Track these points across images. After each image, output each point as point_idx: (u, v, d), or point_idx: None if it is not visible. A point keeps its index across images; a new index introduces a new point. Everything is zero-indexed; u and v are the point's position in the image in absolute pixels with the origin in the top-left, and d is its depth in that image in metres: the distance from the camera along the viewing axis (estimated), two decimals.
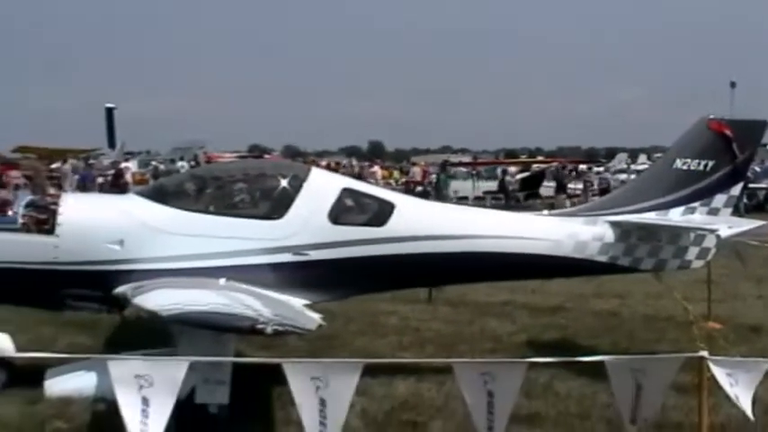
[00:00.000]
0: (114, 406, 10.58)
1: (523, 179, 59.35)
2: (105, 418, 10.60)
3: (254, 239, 11.75)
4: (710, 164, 13.43)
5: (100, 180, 47.45)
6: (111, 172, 50.16)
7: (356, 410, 11.11)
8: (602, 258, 13.12)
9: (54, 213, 11.53)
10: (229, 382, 10.24)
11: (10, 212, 11.82)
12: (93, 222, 11.65)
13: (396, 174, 74.09)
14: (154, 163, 77.03)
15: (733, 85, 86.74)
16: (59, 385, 11.35)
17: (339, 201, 12.21)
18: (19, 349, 11.67)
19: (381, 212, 12.36)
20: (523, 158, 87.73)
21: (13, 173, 44.58)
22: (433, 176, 59.38)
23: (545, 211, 14.89)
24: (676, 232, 13.30)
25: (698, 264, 13.61)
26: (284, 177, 12.33)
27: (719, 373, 7.78)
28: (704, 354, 7.65)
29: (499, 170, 65.60)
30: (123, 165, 52.39)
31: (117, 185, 39.80)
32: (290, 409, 10.83)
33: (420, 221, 12.46)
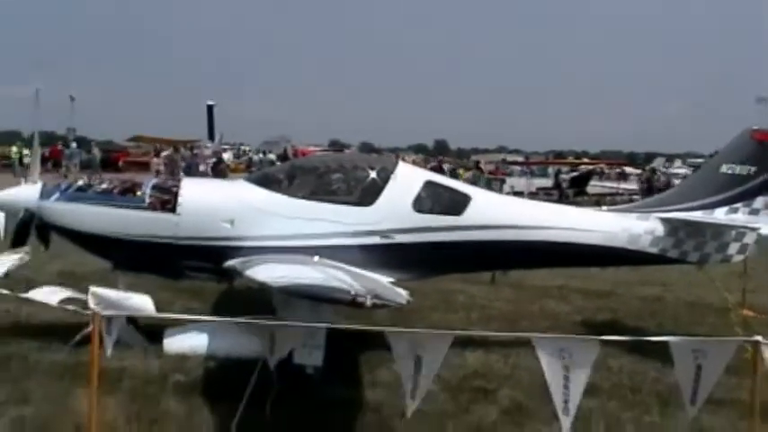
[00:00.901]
0: (224, 362, 11.19)
1: (573, 178, 59.45)
2: (218, 372, 10.97)
3: (348, 224, 11.97)
4: (753, 169, 13.49)
5: (202, 167, 47.97)
6: (213, 160, 50.96)
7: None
8: (653, 250, 13.21)
9: (176, 195, 11.83)
10: (324, 346, 10.51)
11: (139, 193, 12.01)
12: (208, 203, 11.98)
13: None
14: (249, 154, 77.58)
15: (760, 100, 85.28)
16: (176, 344, 11.62)
17: (422, 191, 12.37)
18: None
19: (459, 203, 12.50)
20: (570, 159, 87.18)
21: (155, 159, 46.17)
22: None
23: (604, 207, 14.98)
24: (720, 229, 13.35)
25: (738, 258, 13.67)
26: (375, 169, 12.51)
27: None
28: (759, 338, 7.61)
29: (550, 169, 65.57)
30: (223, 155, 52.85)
31: (216, 171, 40.21)
32: (377, 372, 11.21)
33: (494, 212, 12.61)
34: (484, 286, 17.50)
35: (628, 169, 74.94)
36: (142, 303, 6.76)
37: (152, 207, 11.85)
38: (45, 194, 11.95)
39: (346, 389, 10.64)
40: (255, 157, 70.08)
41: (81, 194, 12.03)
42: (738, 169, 13.50)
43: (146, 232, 11.76)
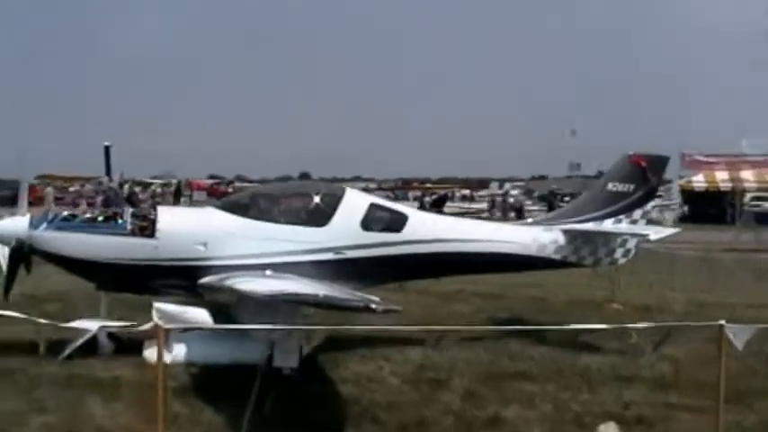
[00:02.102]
0: (203, 368, 10.89)
1: (434, 200, 60.60)
2: (201, 377, 10.63)
3: (305, 242, 11.91)
4: (632, 186, 14.01)
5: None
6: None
7: (387, 371, 11.36)
8: (557, 257, 13.57)
9: (154, 221, 11.54)
10: (299, 350, 10.37)
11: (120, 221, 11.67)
12: (183, 228, 11.74)
13: None
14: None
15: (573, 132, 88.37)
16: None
17: (368, 212, 12.39)
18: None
19: (399, 222, 12.57)
20: (416, 185, 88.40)
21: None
22: None
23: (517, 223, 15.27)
24: (609, 237, 13.80)
25: (623, 260, 14.22)
26: (328, 195, 12.52)
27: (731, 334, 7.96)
28: (722, 322, 7.91)
29: (411, 194, 66.67)
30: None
31: (131, 202, 39.20)
32: (340, 370, 11.12)
33: (428, 229, 12.73)
34: (392, 293, 17.48)
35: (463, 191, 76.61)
36: (200, 316, 6.57)
37: (133, 233, 11.51)
38: (34, 224, 11.47)
39: (322, 386, 10.47)
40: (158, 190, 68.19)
41: (67, 223, 11.62)
42: (620, 187, 14.06)
43: (128, 255, 11.44)
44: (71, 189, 55.37)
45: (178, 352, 11.18)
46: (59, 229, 11.49)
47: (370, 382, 10.73)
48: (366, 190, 67.58)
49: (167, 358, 6.96)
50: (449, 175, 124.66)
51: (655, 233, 14.03)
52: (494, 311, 16.53)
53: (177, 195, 47.14)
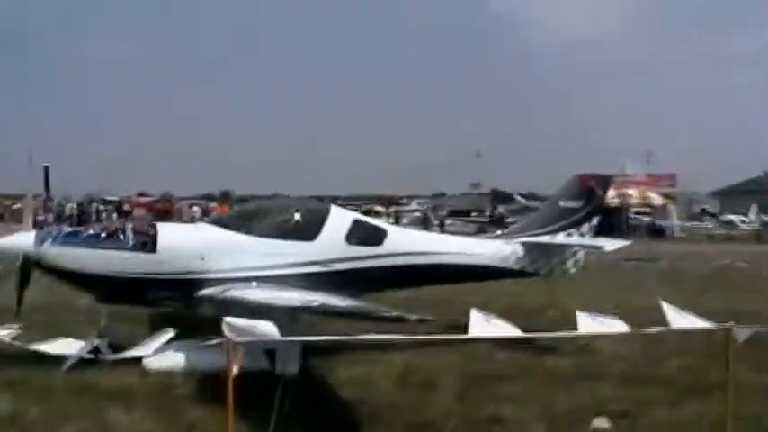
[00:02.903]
0: (205, 375, 10.40)
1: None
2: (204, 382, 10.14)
3: (296, 255, 11.64)
4: (581, 203, 14.11)
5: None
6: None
7: (377, 375, 11.04)
8: (516, 267, 13.58)
9: (155, 237, 11.07)
10: (299, 357, 10.04)
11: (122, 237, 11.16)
12: (183, 243, 11.29)
13: None
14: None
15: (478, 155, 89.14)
16: (157, 363, 10.80)
17: (352, 228, 12.18)
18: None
19: (379, 236, 12.44)
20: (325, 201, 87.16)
21: None
22: None
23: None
24: (561, 249, 13.89)
25: (573, 270, 14.28)
26: (315, 212, 12.34)
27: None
28: (731, 324, 7.56)
29: None
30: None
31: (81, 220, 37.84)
32: (336, 376, 10.77)
33: (405, 242, 12.63)
34: None
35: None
36: (268, 329, 6.26)
37: (135, 248, 11.02)
38: (39, 240, 10.86)
39: (323, 390, 10.13)
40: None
41: (72, 239, 11.04)
42: (571, 204, 14.16)
43: (130, 269, 10.94)
44: (14, 207, 53.23)
45: (150, 362, 10.75)
46: (65, 244, 10.91)
47: (365, 386, 10.42)
48: None
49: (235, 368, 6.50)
50: (356, 192, 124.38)
51: (609, 245, 14.18)
52: (453, 316, 16.30)
53: (120, 213, 45.15)
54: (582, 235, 14.22)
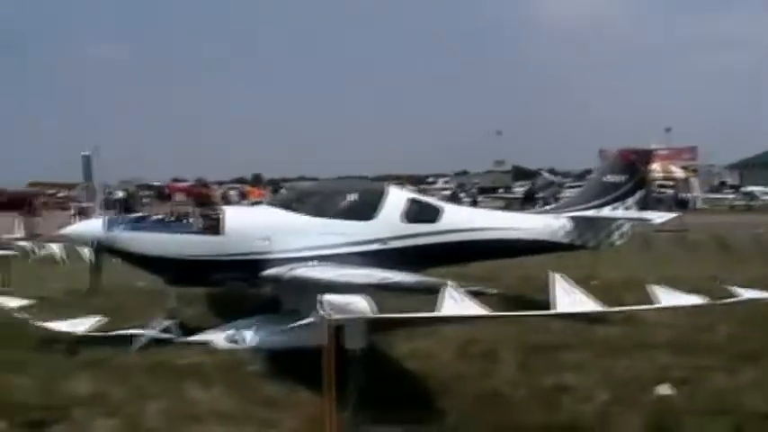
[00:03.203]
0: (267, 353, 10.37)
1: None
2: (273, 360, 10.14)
3: (356, 234, 11.54)
4: (624, 178, 13.93)
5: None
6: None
7: (436, 348, 10.91)
8: (565, 241, 13.42)
9: (221, 220, 11.04)
10: (366, 332, 10.00)
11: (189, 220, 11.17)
12: (248, 225, 11.24)
13: None
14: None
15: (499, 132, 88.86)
16: (224, 341, 10.83)
17: (407, 206, 12.06)
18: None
19: (434, 213, 12.31)
20: None
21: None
22: None
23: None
24: (607, 222, 13.71)
25: (619, 242, 14.09)
26: (373, 192, 12.23)
27: None
28: None
29: None
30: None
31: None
32: (399, 350, 10.70)
33: (460, 219, 12.48)
34: None
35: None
36: (363, 306, 6.20)
37: (202, 231, 11.00)
38: (109, 226, 10.89)
39: (391, 365, 10.06)
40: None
41: (141, 224, 11.06)
42: (614, 178, 13.98)
43: (198, 252, 10.92)
44: (59, 195, 53.59)
45: (246, 337, 10.77)
46: (135, 229, 10.93)
47: (428, 359, 10.37)
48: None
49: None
50: (384, 172, 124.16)
51: (657, 218, 14.01)
52: (503, 289, 16.09)
53: (161, 198, 44.25)
54: (627, 209, 14.04)
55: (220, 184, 76.88)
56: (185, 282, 11.43)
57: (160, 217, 11.39)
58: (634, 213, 13.71)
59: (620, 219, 13.70)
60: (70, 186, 55.50)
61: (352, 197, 11.96)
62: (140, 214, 11.99)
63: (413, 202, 12.28)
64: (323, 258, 11.00)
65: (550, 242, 13.24)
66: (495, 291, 7.52)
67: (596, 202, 13.93)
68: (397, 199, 12.11)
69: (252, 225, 11.26)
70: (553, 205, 14.74)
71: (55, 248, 14.31)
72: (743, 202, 51.10)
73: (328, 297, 6.12)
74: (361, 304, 6.20)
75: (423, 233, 11.97)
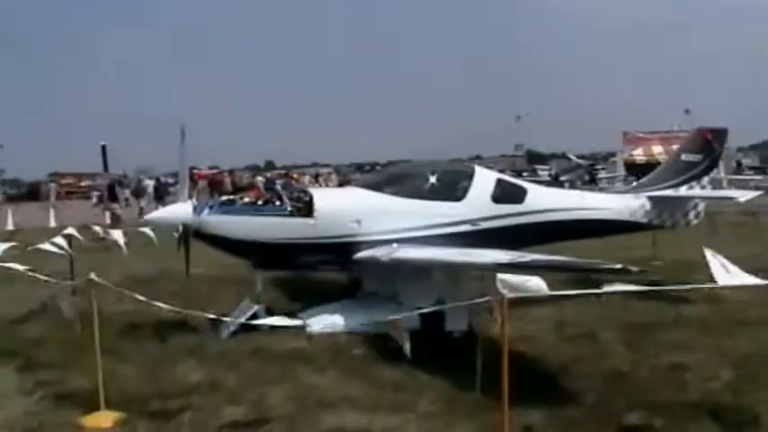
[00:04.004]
0: (365, 336, 10.15)
1: None
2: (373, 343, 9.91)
3: (446, 216, 11.35)
4: (700, 157, 13.72)
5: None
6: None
7: (531, 328, 10.67)
8: (644, 220, 13.25)
9: (311, 203, 10.84)
10: (467, 314, 9.86)
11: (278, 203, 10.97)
12: (339, 208, 11.04)
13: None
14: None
15: (518, 118, 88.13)
16: (318, 325, 10.61)
17: (496, 187, 11.85)
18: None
19: (520, 194, 12.10)
20: (368, 168, 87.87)
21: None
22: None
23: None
24: (685, 202, 13.51)
25: (695, 221, 13.89)
26: (462, 173, 12.05)
27: None
28: None
29: None
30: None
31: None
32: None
33: (543, 200, 12.27)
34: None
35: None
36: (538, 285, 5.99)
37: (292, 214, 10.80)
38: (198, 210, 10.70)
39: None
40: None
41: (230, 207, 10.86)
42: (692, 158, 13.76)
43: (288, 235, 10.72)
44: (82, 184, 53.58)
45: (312, 324, 10.57)
46: (225, 213, 10.74)
47: (529, 341, 10.14)
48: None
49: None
50: (396, 158, 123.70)
51: (741, 196, 13.79)
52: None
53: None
54: (702, 187, 13.86)
55: (231, 172, 76.69)
56: (274, 266, 11.26)
57: (248, 200, 11.17)
58: (719, 192, 13.53)
59: (704, 197, 13.49)
60: (90, 176, 55.55)
61: (443, 178, 11.72)
62: (225, 198, 11.74)
63: (500, 182, 12.07)
64: (414, 240, 10.82)
65: (631, 222, 13.05)
66: (636, 269, 7.22)
67: (674, 181, 13.73)
68: (485, 179, 11.90)
69: (342, 207, 11.04)
70: (636, 183, 14.42)
71: (118, 236, 14.04)
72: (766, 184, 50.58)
73: (503, 276, 5.90)
74: (537, 282, 5.97)
75: (510, 214, 11.76)
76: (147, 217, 11.02)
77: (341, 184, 48.02)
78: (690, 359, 9.04)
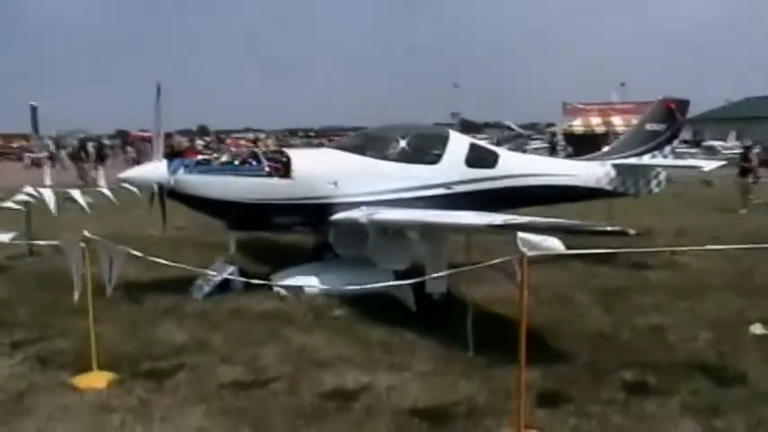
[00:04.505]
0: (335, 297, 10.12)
1: None
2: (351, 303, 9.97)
3: (422, 179, 11.40)
4: (664, 126, 14.04)
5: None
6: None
7: (501, 292, 10.80)
8: (609, 188, 13.52)
9: (287, 164, 10.74)
10: (446, 277, 9.93)
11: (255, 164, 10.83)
12: (317, 168, 10.96)
13: None
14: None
15: (456, 86, 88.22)
16: (294, 285, 10.58)
17: (470, 151, 11.93)
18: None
19: (492, 159, 12.19)
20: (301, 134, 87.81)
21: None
22: None
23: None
24: (648, 170, 13.84)
25: (656, 190, 14.24)
26: (438, 136, 12.05)
27: None
28: None
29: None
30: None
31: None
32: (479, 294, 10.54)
33: (514, 165, 12.41)
34: None
35: None
36: (556, 244, 6.01)
37: (270, 174, 10.68)
38: (172, 169, 10.48)
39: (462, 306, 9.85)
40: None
41: (207, 167, 10.67)
42: (655, 126, 14.07)
43: (266, 195, 10.62)
44: (14, 146, 51.80)
45: (306, 282, 10.58)
46: (201, 172, 10.54)
47: (508, 303, 10.03)
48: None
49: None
50: (331, 124, 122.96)
51: (706, 165, 14.16)
52: None
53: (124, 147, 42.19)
54: (665, 157, 14.21)
55: (169, 135, 75.01)
56: (249, 227, 11.17)
57: (224, 160, 10.99)
58: (684, 161, 13.88)
59: (669, 166, 13.84)
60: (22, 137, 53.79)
61: (418, 141, 11.73)
62: (200, 158, 11.52)
63: (473, 146, 12.15)
64: (390, 203, 10.85)
65: (596, 188, 13.33)
66: (633, 231, 7.37)
67: (638, 150, 14.04)
68: (460, 143, 11.96)
69: (320, 169, 10.97)
70: (601, 152, 14.67)
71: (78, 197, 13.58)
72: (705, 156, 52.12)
73: (523, 234, 5.95)
74: (554, 242, 6.04)
75: (483, 178, 11.87)
76: (122, 175, 10.70)
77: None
78: (666, 321, 9.33)
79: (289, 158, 10.84)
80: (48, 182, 27.72)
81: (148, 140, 49.54)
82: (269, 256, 13.24)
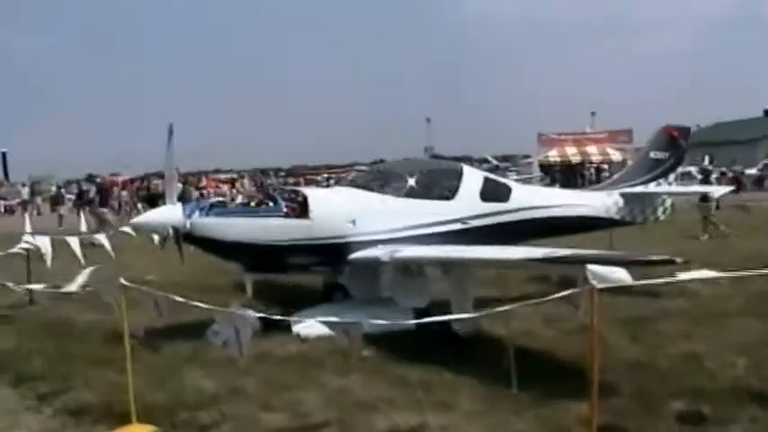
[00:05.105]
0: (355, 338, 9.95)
1: None
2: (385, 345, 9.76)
3: (438, 214, 11.39)
4: (667, 154, 14.21)
5: None
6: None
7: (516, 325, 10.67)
8: (617, 216, 13.58)
9: (305, 203, 10.65)
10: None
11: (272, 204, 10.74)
12: (334, 208, 10.88)
13: None
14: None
15: (428, 120, 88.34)
16: (308, 330, 10.39)
17: (484, 185, 11.96)
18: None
19: (506, 192, 12.23)
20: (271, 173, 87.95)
21: None
22: None
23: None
24: (654, 198, 13.96)
25: (662, 217, 14.35)
26: (452, 171, 12.08)
27: None
28: None
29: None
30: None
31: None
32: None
33: (526, 198, 12.45)
34: None
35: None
36: (623, 276, 5.93)
37: (288, 215, 10.59)
38: (188, 213, 10.35)
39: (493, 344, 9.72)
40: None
41: (222, 209, 10.55)
42: (660, 155, 14.24)
43: (284, 237, 10.50)
44: None
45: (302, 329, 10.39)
46: (217, 215, 10.42)
47: (532, 336, 10.09)
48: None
49: None
50: (300, 162, 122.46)
51: (715, 192, 14.33)
52: None
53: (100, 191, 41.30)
54: (669, 184, 14.36)
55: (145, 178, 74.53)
56: (266, 268, 11.01)
57: (240, 201, 10.90)
58: (696, 188, 14.02)
59: (676, 193, 13.98)
60: None
61: (433, 177, 11.78)
62: (215, 200, 11.41)
63: (487, 180, 12.20)
64: (407, 240, 10.80)
65: (606, 218, 13.41)
66: (681, 260, 7.36)
67: (643, 179, 14.16)
68: (474, 178, 12.02)
69: (338, 207, 10.91)
70: (607, 182, 14.79)
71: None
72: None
73: (592, 267, 5.92)
74: (620, 274, 6.01)
75: (497, 212, 11.90)
76: (135, 221, 10.58)
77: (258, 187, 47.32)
78: (699, 348, 9.30)
79: (305, 198, 10.76)
80: (28, 229, 27.13)
81: (123, 185, 49.64)
82: (277, 299, 13.07)
